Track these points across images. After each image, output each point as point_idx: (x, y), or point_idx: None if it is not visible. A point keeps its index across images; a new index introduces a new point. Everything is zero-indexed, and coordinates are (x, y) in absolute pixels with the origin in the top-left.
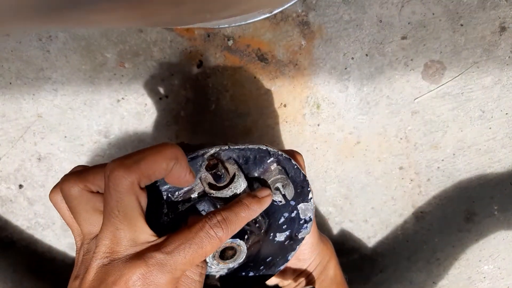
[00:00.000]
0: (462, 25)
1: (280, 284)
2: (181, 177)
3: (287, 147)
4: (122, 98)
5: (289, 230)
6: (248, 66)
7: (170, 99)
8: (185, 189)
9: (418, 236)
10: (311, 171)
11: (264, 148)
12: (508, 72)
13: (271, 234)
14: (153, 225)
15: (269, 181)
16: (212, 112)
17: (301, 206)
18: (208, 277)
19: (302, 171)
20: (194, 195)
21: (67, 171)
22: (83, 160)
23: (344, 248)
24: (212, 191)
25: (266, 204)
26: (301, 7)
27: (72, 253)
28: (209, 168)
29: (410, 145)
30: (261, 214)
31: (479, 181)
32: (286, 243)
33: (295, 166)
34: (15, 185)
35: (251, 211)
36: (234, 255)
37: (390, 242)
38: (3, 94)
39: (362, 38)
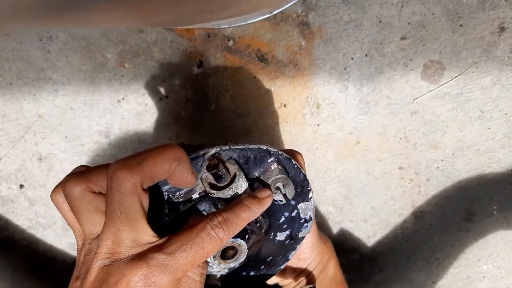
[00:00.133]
0: (461, 25)
1: (281, 284)
2: (183, 178)
3: (287, 147)
4: (123, 98)
5: (289, 230)
6: (248, 66)
7: (170, 99)
8: (186, 189)
9: (418, 236)
10: (311, 171)
11: (264, 148)
12: (507, 73)
13: (272, 233)
14: (154, 226)
15: (269, 181)
16: (212, 112)
17: (301, 205)
18: (209, 277)
19: (303, 171)
20: (195, 195)
21: (67, 171)
22: (83, 160)
23: (344, 247)
24: (213, 191)
25: (266, 204)
26: (301, 7)
27: (73, 252)
28: (210, 168)
29: (410, 145)
30: (261, 214)
31: (478, 181)
32: (286, 242)
33: (296, 166)
34: (16, 185)
35: (252, 212)
36: (235, 254)
37: (390, 241)
38: (4, 94)
39: (361, 38)
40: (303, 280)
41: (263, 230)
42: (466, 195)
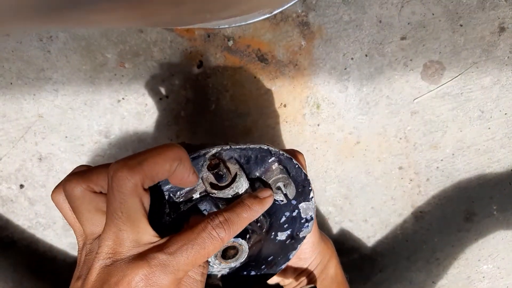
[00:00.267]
0: (461, 25)
1: (281, 283)
2: (184, 178)
3: (287, 147)
4: (123, 98)
5: (290, 229)
6: (248, 66)
7: (170, 99)
8: (187, 189)
9: (418, 236)
10: (311, 171)
11: (265, 148)
12: (507, 73)
13: (273, 233)
14: (155, 225)
15: (270, 181)
16: (212, 112)
17: (302, 205)
18: (210, 276)
19: (304, 171)
20: (196, 195)
21: (68, 171)
22: (83, 160)
23: (344, 247)
24: (214, 191)
25: (267, 204)
26: (301, 7)
27: (73, 252)
28: (210, 168)
29: (410, 145)
30: (262, 214)
31: (478, 181)
32: (287, 242)
33: (297, 166)
34: (16, 185)
35: (253, 212)
36: (236, 254)
37: (390, 241)
38: (4, 94)
39: (361, 38)
40: (304, 280)
41: (264, 230)
42: (466, 195)
